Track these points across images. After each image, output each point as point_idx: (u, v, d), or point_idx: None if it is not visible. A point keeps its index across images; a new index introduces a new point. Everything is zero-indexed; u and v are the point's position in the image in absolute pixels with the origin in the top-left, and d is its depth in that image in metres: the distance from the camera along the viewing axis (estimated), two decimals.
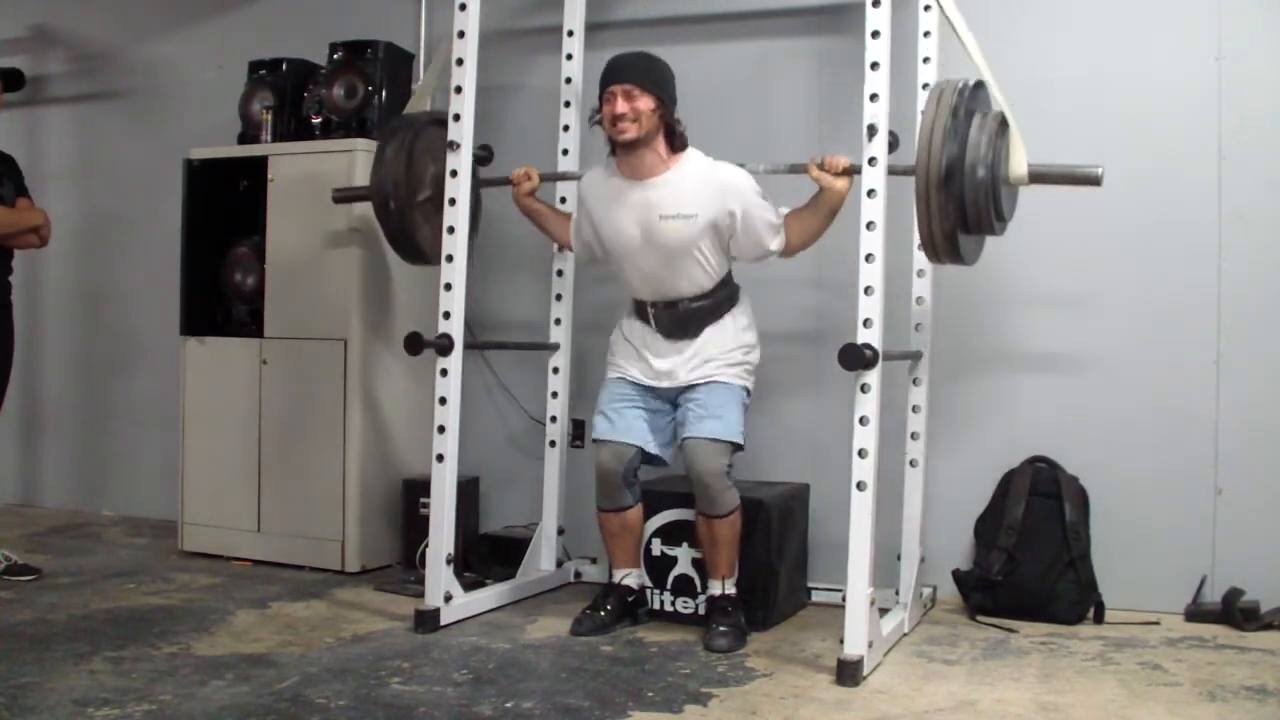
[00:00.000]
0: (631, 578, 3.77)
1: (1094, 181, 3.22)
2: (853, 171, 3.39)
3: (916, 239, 3.83)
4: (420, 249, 3.96)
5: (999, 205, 3.26)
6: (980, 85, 3.29)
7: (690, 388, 3.62)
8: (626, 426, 3.64)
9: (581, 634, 3.58)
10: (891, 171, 3.26)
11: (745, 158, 4.28)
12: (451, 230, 3.72)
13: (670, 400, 3.68)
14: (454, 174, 3.74)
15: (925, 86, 3.76)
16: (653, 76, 3.50)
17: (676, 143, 3.57)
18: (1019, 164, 3.25)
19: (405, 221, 3.89)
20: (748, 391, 3.65)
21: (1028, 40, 3.99)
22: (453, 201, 3.72)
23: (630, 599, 3.74)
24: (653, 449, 3.66)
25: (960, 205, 3.19)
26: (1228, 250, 3.86)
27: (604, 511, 3.72)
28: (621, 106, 3.46)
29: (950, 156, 3.15)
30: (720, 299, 3.65)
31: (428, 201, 3.90)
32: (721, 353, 3.62)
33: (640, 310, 3.71)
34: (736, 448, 3.56)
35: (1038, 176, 3.26)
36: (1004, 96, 3.28)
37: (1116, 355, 3.97)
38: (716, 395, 3.57)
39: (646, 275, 3.63)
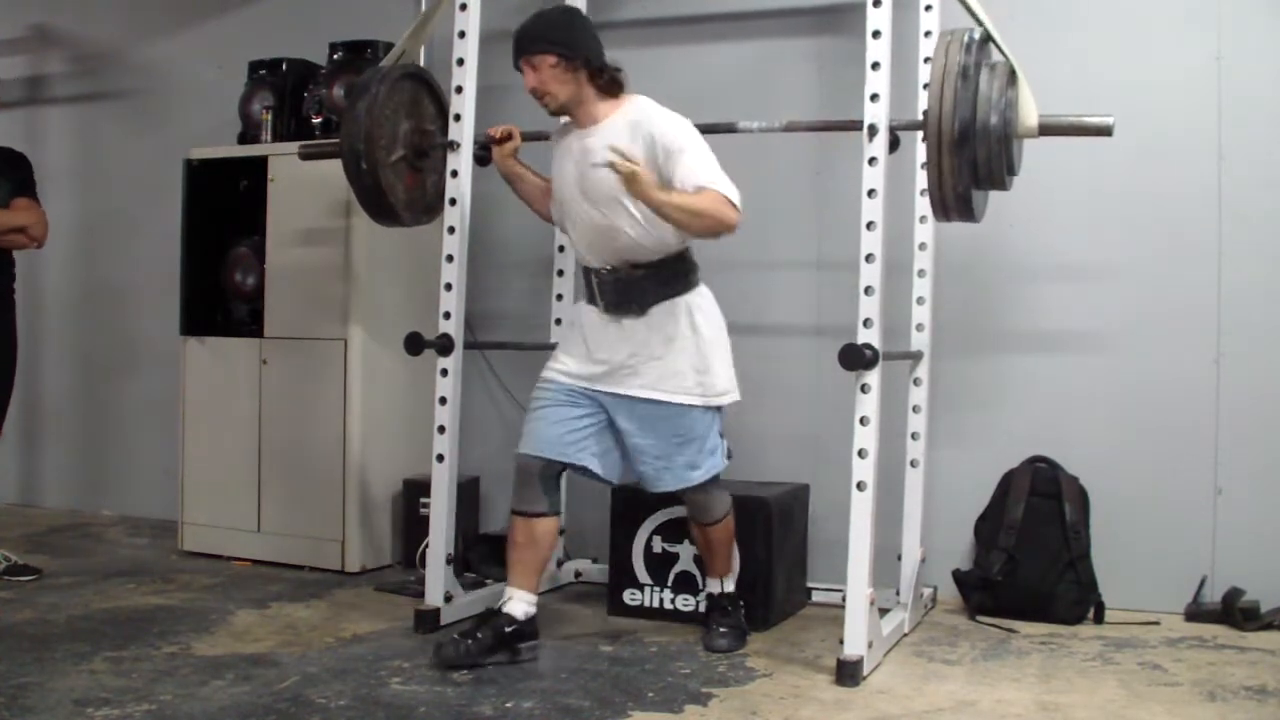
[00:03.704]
0: (516, 604, 3.31)
1: (1105, 132, 3.16)
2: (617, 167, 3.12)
3: (917, 239, 3.85)
4: (393, 209, 3.76)
5: (1010, 160, 3.18)
6: (987, 38, 3.20)
7: (643, 415, 3.32)
8: (549, 436, 3.34)
9: (442, 660, 3.18)
10: (897, 127, 3.25)
11: (746, 157, 4.27)
12: (452, 230, 3.72)
13: (608, 407, 3.35)
14: (454, 174, 3.74)
15: (926, 87, 3.75)
16: (547, 35, 3.25)
17: (611, 88, 3.31)
18: (1029, 116, 3.16)
19: (378, 181, 3.67)
20: (716, 407, 3.36)
21: (1026, 40, 3.95)
22: (453, 201, 3.73)
23: (510, 630, 3.28)
24: (581, 461, 3.36)
25: (973, 163, 3.11)
26: (1228, 250, 3.85)
27: (514, 514, 3.36)
28: (531, 80, 3.26)
29: (963, 120, 3.04)
30: (669, 275, 3.32)
31: (401, 160, 3.75)
32: (670, 353, 3.30)
33: (587, 281, 3.42)
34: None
35: (1048, 128, 3.19)
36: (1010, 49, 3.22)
37: (1116, 355, 3.97)
38: (676, 431, 3.32)
39: (585, 230, 3.34)
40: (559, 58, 3.24)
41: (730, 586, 3.60)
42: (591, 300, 3.42)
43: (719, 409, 3.39)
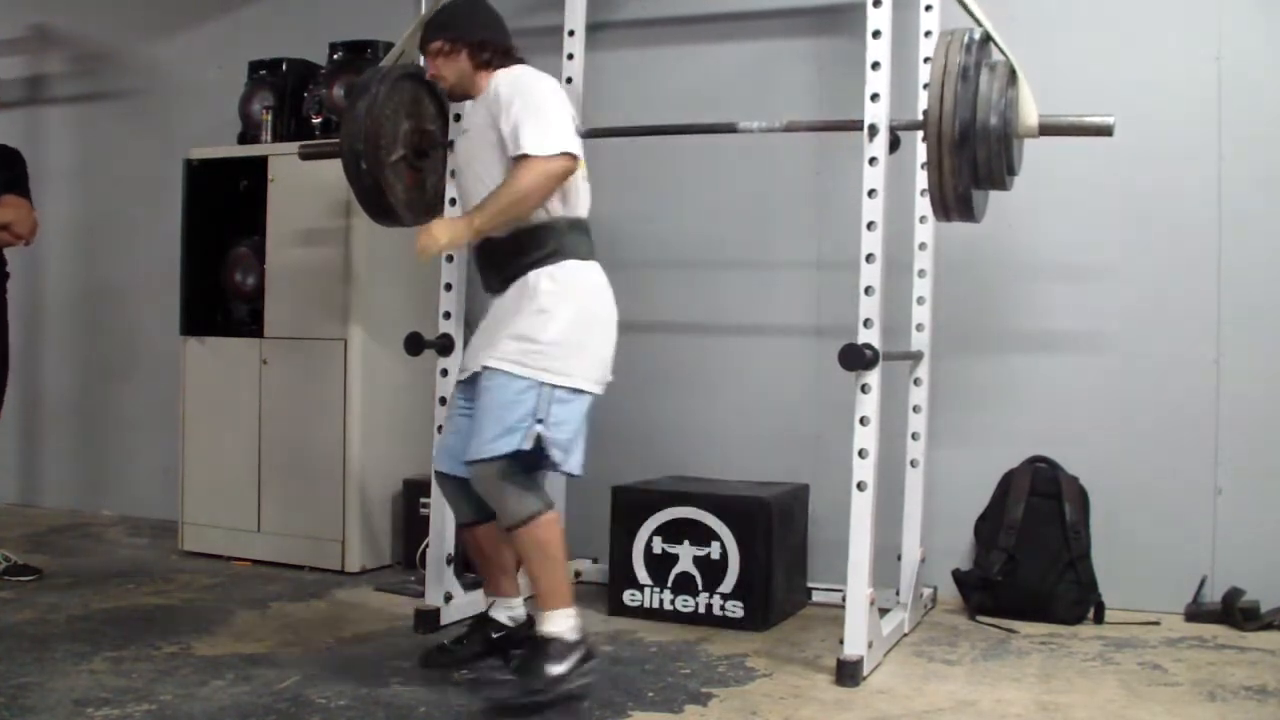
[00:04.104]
0: (499, 609, 3.26)
1: (1105, 131, 3.14)
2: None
3: (917, 239, 3.85)
4: (392, 208, 3.74)
5: (1010, 160, 3.17)
6: (987, 38, 3.19)
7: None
8: (446, 447, 3.22)
9: (430, 667, 3.17)
10: (897, 127, 3.24)
11: (746, 159, 4.31)
12: None
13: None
14: (453, 174, 3.73)
15: (926, 87, 3.74)
16: (434, 23, 3.26)
17: (494, 62, 3.20)
18: (1029, 115, 3.15)
19: (378, 181, 3.64)
20: (537, 382, 2.93)
21: (1027, 41, 3.96)
22: (453, 201, 3.72)
23: (498, 635, 3.23)
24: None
25: (973, 163, 3.11)
26: (1228, 250, 3.86)
27: (457, 527, 3.39)
28: (430, 68, 3.28)
29: (963, 120, 3.05)
30: (526, 244, 3.05)
31: (401, 160, 3.74)
32: (508, 325, 3.03)
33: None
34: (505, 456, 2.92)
35: (1049, 128, 3.18)
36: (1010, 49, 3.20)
37: (1117, 355, 3.97)
38: (481, 399, 2.99)
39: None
40: (443, 41, 3.23)
41: (556, 628, 2.92)
42: None
43: (539, 388, 2.94)
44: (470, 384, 3.13)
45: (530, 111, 2.99)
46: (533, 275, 3.04)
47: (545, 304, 3.00)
